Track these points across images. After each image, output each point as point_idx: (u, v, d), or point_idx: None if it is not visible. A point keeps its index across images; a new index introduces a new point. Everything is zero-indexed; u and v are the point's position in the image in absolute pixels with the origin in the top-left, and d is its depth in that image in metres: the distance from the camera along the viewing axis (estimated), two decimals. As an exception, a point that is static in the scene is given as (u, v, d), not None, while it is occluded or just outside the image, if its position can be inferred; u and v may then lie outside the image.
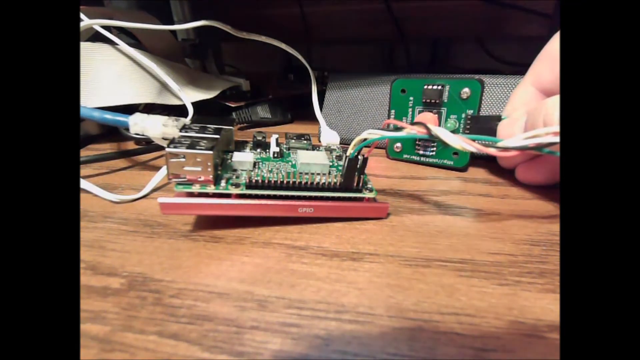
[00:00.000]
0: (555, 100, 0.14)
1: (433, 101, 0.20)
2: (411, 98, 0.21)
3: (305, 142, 0.18)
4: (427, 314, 0.10)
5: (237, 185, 0.13)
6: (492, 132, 0.18)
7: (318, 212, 0.14)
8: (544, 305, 0.10)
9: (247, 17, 0.50)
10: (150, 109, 0.25)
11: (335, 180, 0.14)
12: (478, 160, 0.22)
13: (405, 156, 0.22)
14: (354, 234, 0.14)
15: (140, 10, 0.32)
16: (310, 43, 0.49)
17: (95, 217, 0.15)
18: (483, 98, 0.20)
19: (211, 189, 0.13)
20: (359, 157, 0.14)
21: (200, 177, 0.13)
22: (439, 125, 0.20)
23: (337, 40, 0.52)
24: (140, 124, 0.15)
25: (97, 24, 0.23)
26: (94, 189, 0.16)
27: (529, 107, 0.16)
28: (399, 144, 0.22)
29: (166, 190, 0.18)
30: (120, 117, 0.16)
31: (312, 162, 0.15)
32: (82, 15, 0.23)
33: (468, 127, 0.19)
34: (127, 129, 0.16)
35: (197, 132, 0.14)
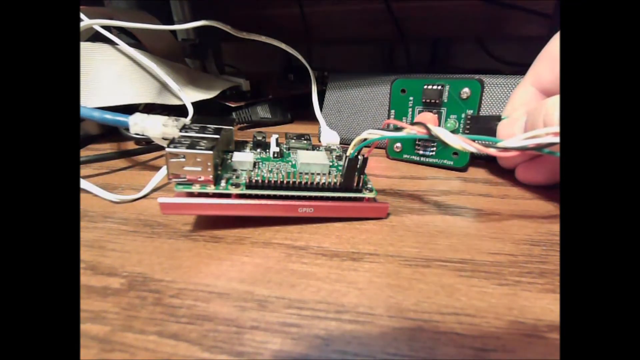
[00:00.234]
0: (555, 100, 0.14)
1: (433, 101, 0.20)
2: (411, 98, 0.21)
3: (305, 142, 0.18)
4: (427, 314, 0.10)
5: (237, 185, 0.13)
6: (492, 132, 0.18)
7: (318, 212, 0.14)
8: (544, 305, 0.10)
9: (247, 17, 0.50)
10: (150, 109, 0.25)
11: (335, 180, 0.14)
12: (478, 160, 0.22)
13: (405, 156, 0.22)
14: (354, 234, 0.14)
15: (140, 10, 0.32)
16: (310, 43, 0.49)
17: (95, 217, 0.15)
18: (483, 98, 0.20)
19: (211, 189, 0.13)
20: (359, 157, 0.14)
21: (200, 177, 0.13)
22: (439, 125, 0.20)
23: (337, 40, 0.52)
24: (140, 124, 0.15)
25: (97, 24, 0.23)
26: (94, 189, 0.16)
27: (529, 107, 0.16)
28: (398, 144, 0.22)
29: (166, 190, 0.18)
30: (120, 117, 0.16)
31: (312, 162, 0.15)
32: (82, 15, 0.23)
33: (468, 127, 0.19)
34: (127, 129, 0.16)
35: (197, 132, 0.14)
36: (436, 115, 0.20)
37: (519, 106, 0.18)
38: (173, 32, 0.34)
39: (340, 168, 0.16)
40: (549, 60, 0.17)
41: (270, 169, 0.15)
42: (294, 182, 0.14)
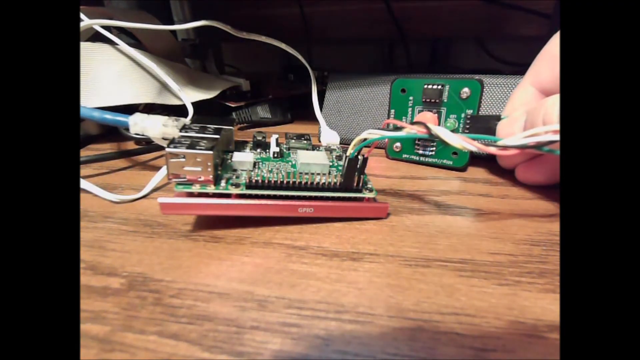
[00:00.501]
0: (555, 99, 0.14)
1: (433, 101, 0.20)
2: (411, 98, 0.21)
3: (305, 142, 0.18)
4: (427, 314, 0.10)
5: (237, 185, 0.13)
6: (492, 132, 0.18)
7: (318, 212, 0.14)
8: (544, 305, 0.10)
9: (247, 17, 0.50)
10: (150, 109, 0.25)
11: (335, 180, 0.14)
12: (478, 160, 0.22)
13: (404, 156, 0.22)
14: (354, 234, 0.14)
15: (140, 10, 0.32)
16: (310, 43, 0.49)
17: (95, 217, 0.15)
18: (483, 98, 0.20)
19: (211, 189, 0.13)
20: (359, 157, 0.14)
21: (200, 177, 0.13)
22: (439, 125, 0.20)
23: (337, 40, 0.52)
24: (140, 124, 0.15)
25: (97, 24, 0.23)
26: (94, 189, 0.16)
27: (529, 107, 0.16)
28: (398, 144, 0.22)
29: (166, 190, 0.18)
30: (120, 117, 0.16)
31: (312, 162, 0.15)
32: (82, 15, 0.23)
33: (468, 126, 0.19)
34: (127, 129, 0.16)
35: (197, 132, 0.14)
36: (436, 115, 0.20)
37: (518, 106, 0.18)
38: (173, 32, 0.34)
39: (340, 168, 0.16)
40: (548, 60, 0.17)
41: (270, 169, 0.15)
42: (294, 182, 0.14)
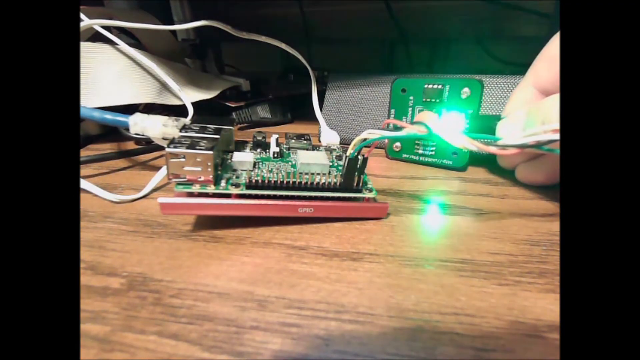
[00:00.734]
0: (555, 99, 0.14)
1: (433, 100, 0.20)
2: (411, 97, 0.21)
3: (305, 142, 0.18)
4: (427, 314, 0.10)
5: (237, 185, 0.13)
6: (492, 132, 0.18)
7: (318, 212, 0.14)
8: (544, 305, 0.10)
9: (247, 17, 0.50)
10: (150, 109, 0.25)
11: (335, 180, 0.14)
12: (478, 160, 0.22)
13: (404, 156, 0.22)
14: (354, 234, 0.14)
15: (140, 10, 0.32)
16: (310, 43, 0.49)
17: (95, 217, 0.15)
18: (483, 98, 0.20)
19: (211, 189, 0.13)
20: (359, 157, 0.14)
21: (200, 177, 0.13)
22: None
23: (337, 40, 0.52)
24: (140, 124, 0.15)
25: (97, 24, 0.23)
26: (94, 189, 0.16)
27: (528, 107, 0.16)
28: (398, 144, 0.22)
29: (166, 190, 0.18)
30: (120, 117, 0.16)
31: (312, 162, 0.15)
32: (82, 15, 0.23)
33: (467, 126, 0.19)
34: (127, 129, 0.16)
35: (197, 132, 0.14)
36: (436, 114, 0.20)
37: (518, 106, 0.18)
38: (173, 32, 0.34)
39: (340, 168, 0.16)
40: (548, 61, 0.17)
41: (270, 169, 0.15)
42: (294, 182, 0.14)
